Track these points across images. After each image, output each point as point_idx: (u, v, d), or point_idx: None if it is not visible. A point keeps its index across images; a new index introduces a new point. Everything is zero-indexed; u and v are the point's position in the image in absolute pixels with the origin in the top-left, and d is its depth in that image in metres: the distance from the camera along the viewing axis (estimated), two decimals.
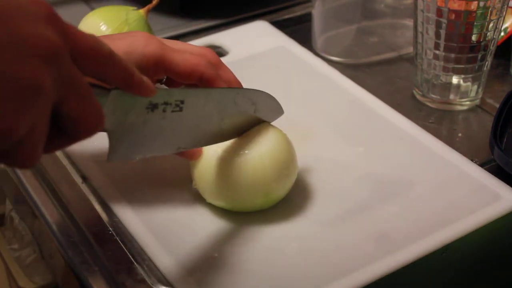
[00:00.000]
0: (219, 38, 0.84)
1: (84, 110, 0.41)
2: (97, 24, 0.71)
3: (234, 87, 0.58)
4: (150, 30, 0.74)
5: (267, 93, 0.60)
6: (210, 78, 0.56)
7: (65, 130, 0.42)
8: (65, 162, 0.66)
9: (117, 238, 0.57)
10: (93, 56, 0.42)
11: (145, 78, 0.46)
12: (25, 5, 0.40)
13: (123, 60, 0.45)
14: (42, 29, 0.39)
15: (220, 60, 0.60)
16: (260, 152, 0.56)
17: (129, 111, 0.49)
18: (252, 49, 0.82)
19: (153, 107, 0.50)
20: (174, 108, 0.52)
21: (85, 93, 0.41)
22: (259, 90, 0.59)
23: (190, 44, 0.60)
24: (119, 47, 0.55)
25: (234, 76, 0.60)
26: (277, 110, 0.61)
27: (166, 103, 0.51)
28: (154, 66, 0.56)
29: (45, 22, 0.40)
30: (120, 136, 0.50)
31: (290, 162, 0.58)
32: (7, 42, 0.37)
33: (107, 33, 0.70)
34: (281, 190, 0.58)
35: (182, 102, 0.52)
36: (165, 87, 0.61)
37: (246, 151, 0.57)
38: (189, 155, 0.58)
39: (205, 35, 0.85)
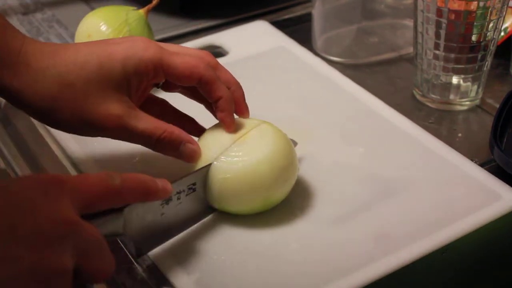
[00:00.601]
0: (219, 38, 0.84)
1: (99, 264, 0.45)
2: (97, 24, 0.71)
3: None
4: (150, 30, 0.74)
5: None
6: (209, 80, 0.57)
7: (80, 278, 0.45)
8: (65, 162, 0.66)
9: (117, 238, 0.57)
10: (106, 194, 0.47)
11: (159, 182, 0.50)
12: (36, 188, 0.44)
13: (135, 177, 0.49)
14: (58, 208, 0.43)
15: (218, 62, 0.60)
16: (259, 156, 0.56)
17: (145, 214, 0.52)
18: (252, 49, 0.82)
19: (168, 200, 0.54)
20: (188, 192, 0.55)
21: (99, 250, 0.45)
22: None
23: (187, 47, 0.60)
24: (117, 52, 0.56)
25: (233, 77, 0.60)
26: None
27: (179, 192, 0.54)
28: (153, 70, 0.56)
29: (59, 198, 0.44)
30: (141, 237, 0.52)
31: (289, 166, 0.58)
32: (31, 232, 0.41)
33: (107, 33, 0.70)
34: (281, 193, 0.58)
35: (194, 184, 0.56)
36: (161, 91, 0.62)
37: (245, 156, 0.56)
38: (186, 158, 0.58)
39: (205, 35, 0.85)
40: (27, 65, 0.56)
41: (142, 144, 0.58)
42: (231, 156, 0.57)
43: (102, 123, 0.56)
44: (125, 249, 0.57)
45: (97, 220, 0.47)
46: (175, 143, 0.57)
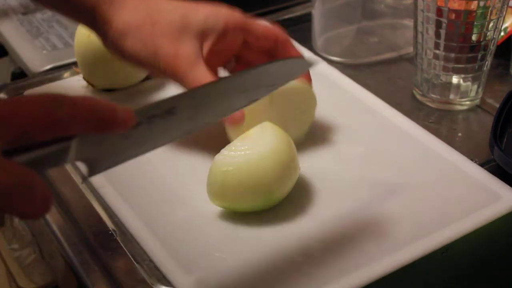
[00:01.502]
0: None
1: (22, 206, 0.38)
2: None
3: (242, 71, 0.52)
4: None
5: (287, 59, 0.57)
6: (284, 40, 0.64)
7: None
8: None
9: (117, 238, 0.57)
10: (48, 128, 0.39)
11: (120, 114, 0.42)
12: None
13: (90, 107, 0.40)
14: None
15: (290, 40, 0.66)
16: (261, 153, 0.56)
17: (102, 141, 0.43)
18: None
19: (136, 125, 0.44)
20: (164, 116, 0.46)
21: (22, 192, 0.38)
22: (274, 61, 0.55)
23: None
24: (202, 11, 0.62)
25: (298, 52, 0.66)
26: (304, 65, 0.60)
27: (152, 116, 0.45)
28: (239, 28, 0.63)
29: None
30: (96, 159, 0.44)
31: (291, 163, 0.58)
32: None
33: None
34: (282, 190, 0.58)
35: (174, 108, 0.46)
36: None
37: (247, 152, 0.57)
38: (230, 121, 0.62)
39: None
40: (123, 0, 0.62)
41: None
42: (233, 150, 0.57)
43: (165, 59, 0.61)
44: (125, 249, 0.57)
45: (32, 152, 0.39)
46: None
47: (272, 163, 0.57)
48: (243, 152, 0.57)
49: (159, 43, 0.61)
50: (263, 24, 0.65)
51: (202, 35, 0.62)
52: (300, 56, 0.64)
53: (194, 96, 0.48)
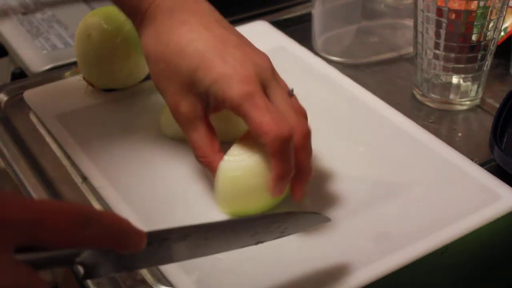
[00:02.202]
0: None
1: None
2: (97, 24, 0.71)
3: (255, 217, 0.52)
4: None
5: (306, 214, 0.56)
6: (269, 152, 0.54)
7: None
8: (65, 162, 0.66)
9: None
10: (69, 243, 0.39)
11: (134, 237, 0.42)
12: None
13: (111, 227, 0.41)
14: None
15: (305, 144, 0.56)
16: (264, 153, 0.56)
17: (110, 253, 0.43)
18: None
19: (147, 244, 0.45)
20: (176, 241, 0.47)
21: None
22: (297, 213, 0.54)
23: (292, 106, 0.57)
24: (214, 71, 0.55)
25: (308, 165, 0.56)
26: (320, 221, 0.56)
27: (164, 239, 0.46)
28: (228, 107, 0.55)
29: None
30: (101, 268, 0.44)
31: None
32: None
33: (107, 33, 0.70)
34: (287, 188, 0.58)
35: (186, 235, 0.47)
36: None
37: (250, 155, 0.57)
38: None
39: None
40: (151, 20, 0.60)
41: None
42: (235, 155, 0.57)
43: (169, 104, 0.59)
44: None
45: (44, 253, 0.40)
46: (207, 168, 0.59)
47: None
48: (246, 156, 0.57)
49: (166, 86, 0.58)
50: (259, 121, 0.54)
51: (206, 96, 0.56)
52: (316, 213, 0.57)
53: (208, 229, 0.48)
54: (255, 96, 0.54)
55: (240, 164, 0.56)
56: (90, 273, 0.43)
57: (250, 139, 0.58)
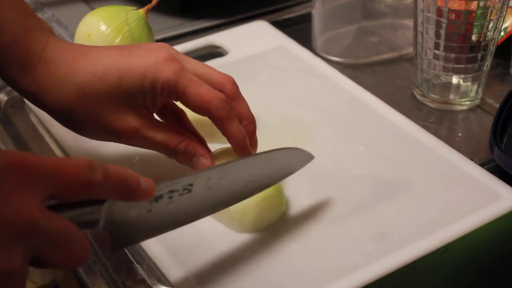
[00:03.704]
0: (219, 38, 0.84)
1: (65, 257, 0.42)
2: (97, 24, 0.71)
3: (251, 155, 0.56)
4: (150, 30, 0.74)
5: (289, 149, 0.58)
6: (218, 118, 0.56)
7: (47, 265, 0.42)
8: None
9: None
10: (83, 187, 0.43)
11: (143, 183, 0.46)
12: None
13: (119, 174, 0.44)
14: (14, 203, 0.39)
15: (238, 93, 0.59)
16: None
17: (129, 210, 0.47)
18: (252, 49, 0.82)
19: (157, 198, 0.49)
20: (182, 192, 0.50)
21: (65, 243, 0.42)
22: (280, 149, 0.57)
23: (212, 69, 0.59)
24: (138, 67, 0.55)
25: (248, 111, 0.59)
26: (305, 158, 0.59)
27: (172, 191, 0.50)
28: (167, 91, 0.55)
29: (21, 187, 0.40)
30: (122, 230, 0.48)
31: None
32: None
33: (107, 33, 0.70)
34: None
35: (191, 185, 0.51)
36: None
37: None
38: (197, 169, 0.58)
39: (205, 35, 0.85)
40: (47, 72, 0.56)
41: (159, 152, 0.58)
42: None
43: (120, 133, 0.56)
44: (125, 249, 0.56)
45: (72, 210, 0.44)
46: (189, 155, 0.58)
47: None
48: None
49: (103, 115, 0.56)
50: (198, 92, 0.55)
51: (143, 96, 0.56)
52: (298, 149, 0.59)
53: (209, 176, 0.52)
54: (185, 71, 0.56)
55: None
56: (117, 241, 0.48)
57: (223, 155, 0.58)
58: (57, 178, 0.41)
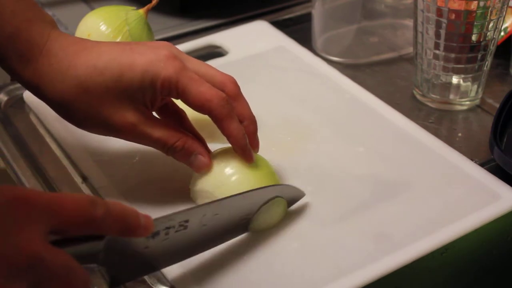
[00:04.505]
0: (219, 38, 0.84)
1: None
2: (97, 23, 0.71)
3: (243, 193, 0.55)
4: (149, 30, 0.74)
5: (282, 186, 0.58)
6: (218, 117, 0.56)
7: None
8: (65, 162, 0.66)
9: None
10: (84, 223, 0.43)
11: (142, 219, 0.46)
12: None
13: (119, 211, 0.45)
14: (18, 237, 0.40)
15: (239, 92, 0.59)
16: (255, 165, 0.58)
17: (127, 245, 0.48)
18: (252, 49, 0.82)
19: (154, 234, 0.49)
20: (178, 229, 0.51)
21: (66, 277, 0.42)
22: (272, 186, 0.57)
23: (213, 68, 0.59)
24: (139, 63, 0.55)
25: (248, 111, 0.59)
26: (297, 195, 0.59)
27: (168, 228, 0.50)
28: (168, 88, 0.55)
29: (24, 222, 0.41)
30: (120, 266, 0.49)
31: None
32: None
33: (106, 32, 0.70)
34: None
35: (186, 221, 0.51)
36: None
37: (248, 171, 0.57)
38: (195, 168, 0.58)
39: (205, 35, 0.85)
40: (48, 64, 0.56)
41: (156, 148, 0.58)
42: (232, 175, 0.57)
43: (118, 128, 0.56)
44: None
45: (72, 246, 0.44)
46: (186, 152, 0.57)
47: (267, 163, 0.59)
48: (245, 168, 0.58)
49: (101, 111, 0.56)
50: (199, 91, 0.55)
51: (142, 92, 0.56)
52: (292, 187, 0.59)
53: (205, 213, 0.52)
54: (187, 69, 0.55)
55: (241, 180, 0.57)
56: (117, 279, 0.49)
57: (223, 154, 0.58)
58: (58, 213, 0.42)
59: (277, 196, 0.56)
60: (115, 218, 0.45)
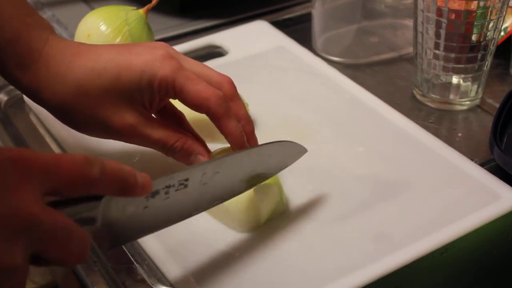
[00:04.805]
0: (219, 38, 0.84)
1: (65, 252, 0.42)
2: (96, 24, 0.71)
3: (244, 149, 0.56)
4: (149, 30, 0.74)
5: (282, 142, 0.58)
6: (216, 116, 0.56)
7: (47, 262, 0.42)
8: None
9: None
10: (81, 183, 0.42)
11: (139, 178, 0.46)
12: None
13: (115, 170, 0.44)
14: (14, 198, 0.39)
15: (235, 93, 0.59)
16: None
17: (126, 206, 0.47)
18: (252, 49, 0.82)
19: (154, 193, 0.49)
20: (178, 187, 0.50)
21: (65, 239, 0.41)
22: (273, 143, 0.57)
23: (210, 68, 0.59)
24: (137, 63, 0.55)
25: (245, 112, 0.59)
26: (298, 151, 0.59)
27: (168, 186, 0.50)
28: (165, 88, 0.55)
29: (20, 182, 0.40)
30: (120, 227, 0.48)
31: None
32: None
33: (106, 32, 0.70)
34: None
35: (186, 180, 0.51)
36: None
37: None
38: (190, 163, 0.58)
39: (205, 35, 0.85)
40: (47, 68, 0.56)
41: (156, 149, 0.58)
42: None
43: (117, 130, 0.57)
44: (125, 249, 0.56)
45: (70, 207, 0.44)
46: (186, 153, 0.57)
47: None
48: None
49: (100, 113, 0.56)
50: (196, 89, 0.55)
51: (140, 93, 0.56)
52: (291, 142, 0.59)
53: (205, 171, 0.52)
54: (183, 69, 0.56)
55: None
56: (115, 238, 0.48)
57: (223, 154, 0.58)
58: (55, 173, 0.41)
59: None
60: (111, 177, 0.44)
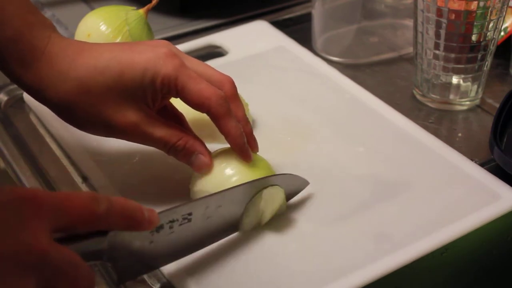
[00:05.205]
0: (219, 38, 0.84)
1: (72, 286, 0.43)
2: (96, 23, 0.71)
3: (247, 183, 0.56)
4: (149, 30, 0.74)
5: (284, 175, 0.58)
6: (217, 115, 0.56)
7: None
8: (65, 162, 0.66)
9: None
10: (89, 220, 0.44)
11: (146, 213, 0.47)
12: (8, 207, 0.41)
13: (122, 205, 0.46)
14: (27, 235, 0.41)
15: (236, 93, 0.59)
16: (253, 163, 0.58)
17: (132, 241, 0.48)
18: (252, 49, 0.82)
19: (158, 228, 0.49)
20: (181, 222, 0.51)
21: (73, 274, 0.43)
22: (276, 176, 0.57)
23: (211, 68, 0.59)
24: (139, 61, 0.55)
25: (243, 113, 0.59)
26: (300, 184, 0.60)
27: (172, 221, 0.50)
28: (167, 86, 0.56)
29: (32, 220, 0.41)
30: (126, 262, 0.49)
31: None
32: None
33: (106, 32, 0.70)
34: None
35: (190, 214, 0.52)
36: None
37: (245, 169, 0.57)
38: (196, 168, 0.58)
39: (205, 35, 0.85)
40: (49, 67, 0.56)
41: (157, 148, 0.58)
42: (231, 176, 0.57)
43: (119, 128, 0.56)
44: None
45: (78, 243, 0.45)
46: (188, 152, 0.57)
47: (267, 164, 0.58)
48: (246, 168, 0.57)
49: (102, 110, 0.56)
50: (198, 88, 0.55)
51: (143, 91, 0.56)
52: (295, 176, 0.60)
53: (208, 205, 0.53)
54: (185, 67, 0.56)
55: (242, 180, 0.56)
56: (124, 275, 0.49)
57: (223, 155, 0.58)
58: (64, 211, 0.43)
59: (274, 184, 0.56)
60: (118, 213, 0.45)
